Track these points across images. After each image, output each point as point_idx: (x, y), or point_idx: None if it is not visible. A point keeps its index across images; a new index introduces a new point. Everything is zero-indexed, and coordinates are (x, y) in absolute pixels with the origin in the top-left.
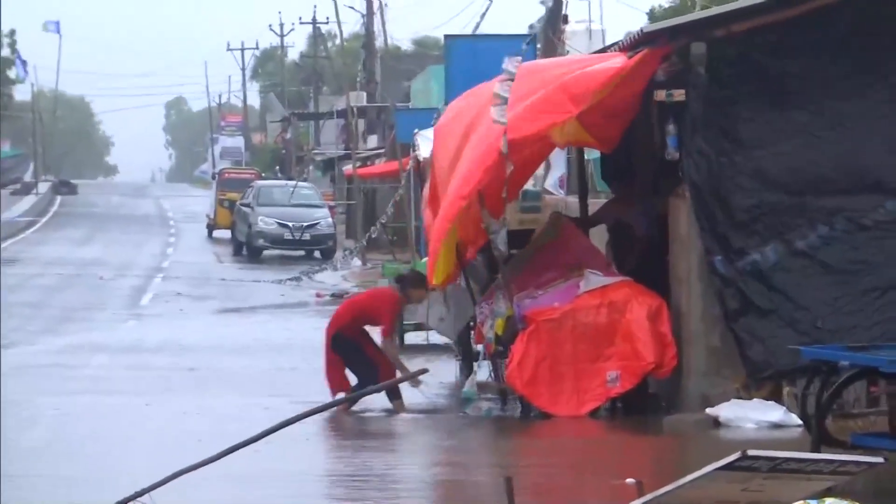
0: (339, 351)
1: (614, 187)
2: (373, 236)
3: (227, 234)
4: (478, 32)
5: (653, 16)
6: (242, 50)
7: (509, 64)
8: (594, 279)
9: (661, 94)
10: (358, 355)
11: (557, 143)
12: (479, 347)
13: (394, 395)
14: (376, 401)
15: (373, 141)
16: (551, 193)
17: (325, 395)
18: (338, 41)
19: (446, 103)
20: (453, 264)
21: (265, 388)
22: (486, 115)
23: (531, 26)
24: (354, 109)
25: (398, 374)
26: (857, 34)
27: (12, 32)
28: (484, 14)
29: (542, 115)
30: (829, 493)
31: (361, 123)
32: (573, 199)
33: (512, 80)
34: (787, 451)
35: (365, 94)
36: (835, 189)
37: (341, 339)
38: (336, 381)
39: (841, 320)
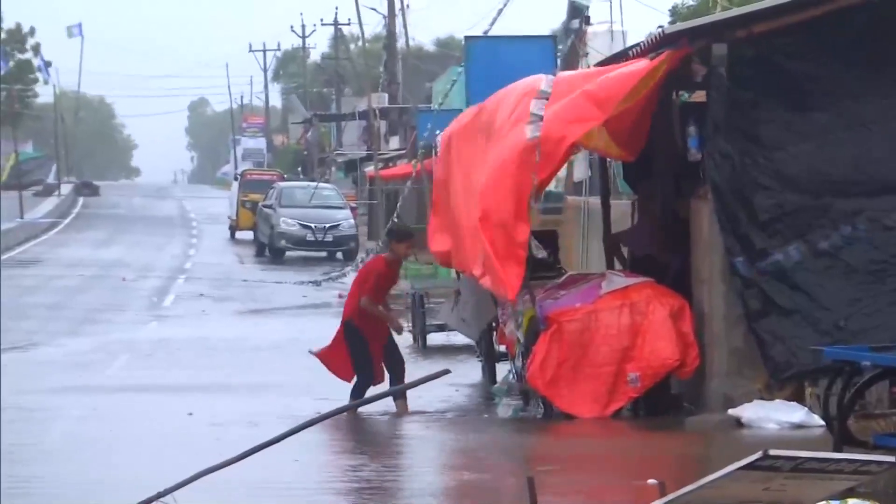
0: (347, 337)
1: (637, 188)
2: (380, 243)
3: (249, 235)
4: (495, 33)
5: (675, 13)
6: (264, 51)
7: (545, 84)
8: (616, 280)
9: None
10: (360, 349)
11: (584, 146)
12: (502, 348)
13: (398, 394)
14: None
15: (395, 142)
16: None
17: (345, 395)
18: (360, 42)
19: (467, 104)
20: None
21: (287, 388)
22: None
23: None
24: (376, 111)
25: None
26: (878, 35)
27: (32, 31)
28: (500, 11)
29: (569, 126)
30: (850, 493)
31: (383, 125)
32: (595, 201)
33: (547, 98)
34: (808, 451)
35: (387, 95)
36: (856, 190)
37: (351, 327)
38: (337, 365)
39: (863, 321)
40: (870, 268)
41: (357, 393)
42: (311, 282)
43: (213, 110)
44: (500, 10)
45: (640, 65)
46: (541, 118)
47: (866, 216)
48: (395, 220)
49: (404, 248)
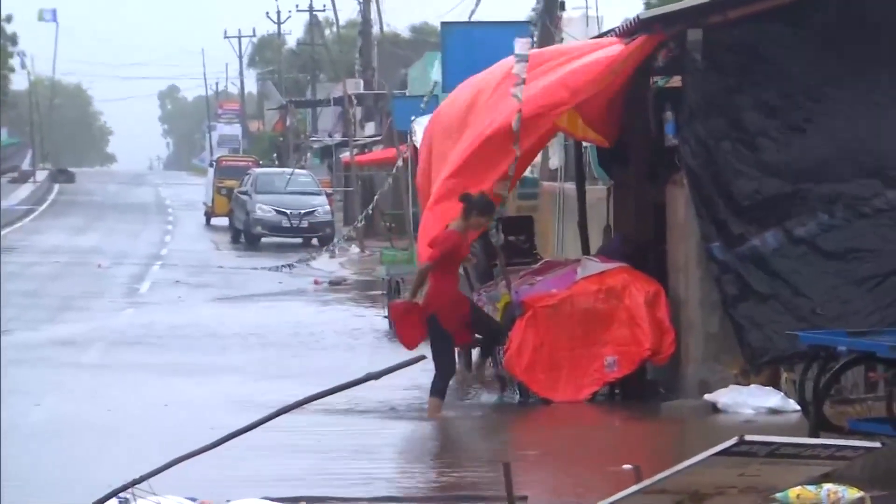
0: (431, 333)
1: (612, 174)
2: (358, 225)
3: (225, 221)
4: (474, 19)
5: (649, 3)
6: (239, 38)
7: (520, 47)
8: (591, 265)
9: (657, 81)
10: (443, 346)
11: (563, 130)
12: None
13: (432, 391)
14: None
15: (370, 128)
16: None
17: (324, 379)
18: (335, 28)
19: (443, 90)
20: None
21: (267, 373)
22: (486, 100)
23: (533, 9)
24: (352, 97)
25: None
26: (854, 20)
27: (9, 19)
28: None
29: (547, 111)
30: (826, 478)
31: (359, 111)
32: (570, 186)
33: (526, 60)
34: (784, 437)
35: (362, 81)
36: (834, 176)
37: (436, 324)
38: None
39: (840, 307)
40: (847, 255)
41: (435, 389)
42: (283, 266)
43: (185, 98)
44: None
45: (614, 49)
46: (523, 80)
47: (843, 203)
48: (372, 210)
49: (486, 220)
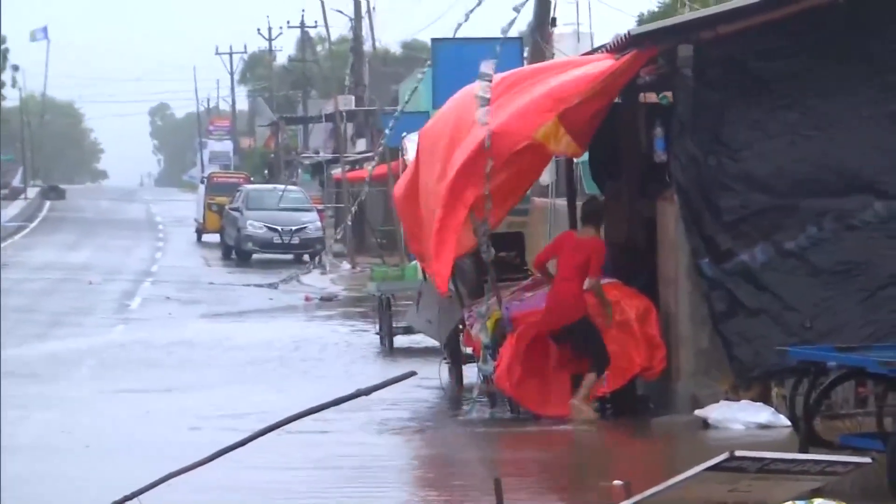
0: (588, 335)
1: (604, 190)
2: (337, 238)
3: (216, 238)
4: (462, 35)
5: (642, 21)
6: (231, 54)
7: (485, 67)
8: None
9: (652, 97)
10: (599, 337)
11: (553, 150)
12: (469, 350)
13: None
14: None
15: (361, 144)
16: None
17: (315, 394)
18: (326, 45)
19: (434, 107)
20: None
21: (258, 389)
22: (470, 119)
23: (503, 29)
24: (343, 113)
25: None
26: (844, 36)
27: (3, 39)
28: (469, 14)
29: (528, 116)
30: (817, 493)
31: (350, 127)
32: (561, 202)
33: (490, 81)
34: (775, 452)
35: (353, 97)
36: (823, 190)
37: (587, 322)
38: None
39: (829, 321)
40: (836, 268)
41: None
42: (268, 284)
43: (175, 114)
44: (468, 14)
45: (604, 64)
46: (487, 101)
47: (832, 216)
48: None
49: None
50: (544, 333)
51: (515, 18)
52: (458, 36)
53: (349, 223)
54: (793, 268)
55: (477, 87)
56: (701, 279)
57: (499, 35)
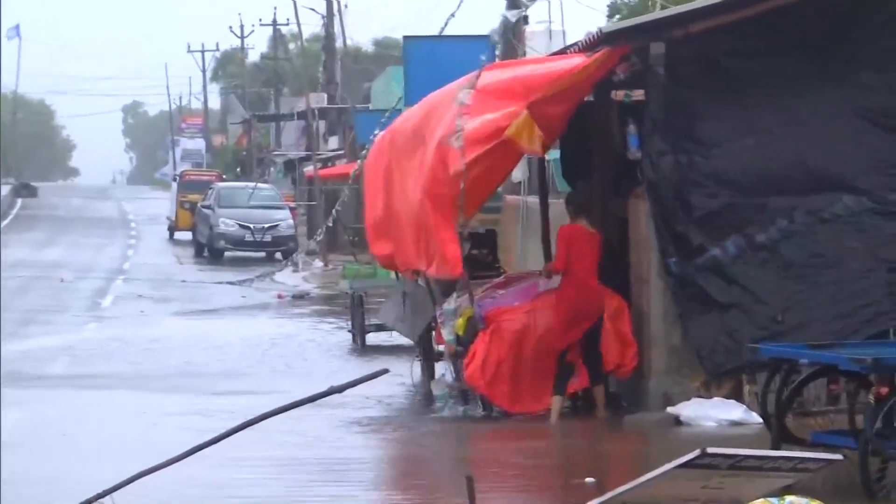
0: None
1: (575, 188)
2: (318, 239)
3: (188, 235)
4: (434, 34)
5: (614, 9)
6: (203, 52)
7: (465, 97)
8: (555, 279)
9: (620, 94)
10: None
11: (525, 148)
12: (441, 347)
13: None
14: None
15: (333, 142)
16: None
17: (288, 392)
18: (298, 43)
19: (406, 104)
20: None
21: (230, 387)
22: (441, 120)
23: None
24: (315, 111)
25: None
26: (814, 33)
27: None
28: (453, 14)
29: (497, 103)
30: (788, 490)
31: (322, 125)
32: (533, 200)
33: (473, 87)
34: (746, 449)
35: (325, 95)
36: (793, 186)
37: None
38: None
39: (800, 314)
40: (807, 261)
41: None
42: (242, 282)
43: (148, 112)
44: (452, 14)
45: (575, 60)
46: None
47: (803, 210)
48: (333, 223)
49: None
50: (562, 347)
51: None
52: (430, 34)
53: (330, 223)
54: (764, 261)
55: (460, 94)
56: (668, 278)
57: (470, 34)
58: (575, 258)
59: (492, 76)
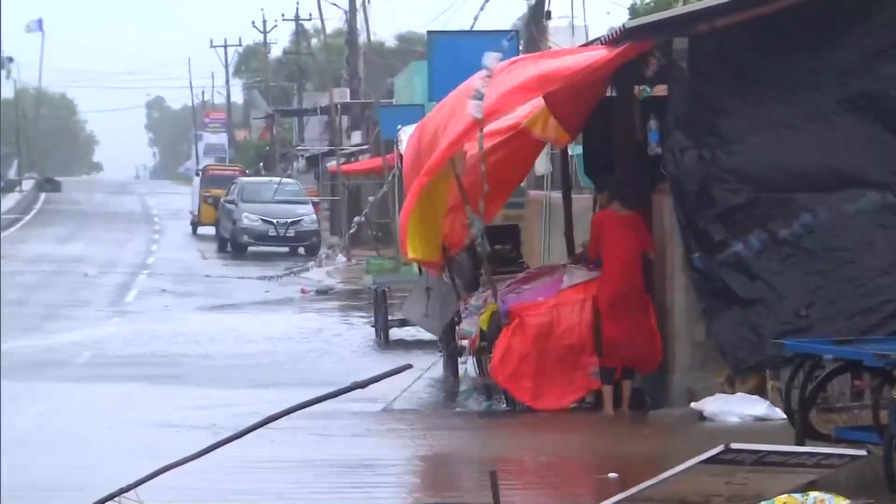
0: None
1: (598, 183)
2: (351, 231)
3: (211, 230)
4: (458, 28)
5: (634, 11)
6: (225, 47)
7: (489, 60)
8: (578, 273)
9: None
10: None
11: (538, 135)
12: (464, 343)
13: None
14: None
15: (356, 137)
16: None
17: (312, 387)
18: (321, 38)
19: (430, 100)
20: (431, 245)
21: (254, 381)
22: (461, 107)
23: (515, 24)
24: (338, 106)
25: None
26: (837, 29)
27: None
28: (481, 9)
29: (513, 94)
30: (812, 486)
31: (345, 120)
32: (557, 195)
33: (491, 75)
34: (770, 445)
35: (348, 90)
36: (816, 181)
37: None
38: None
39: (824, 309)
40: (830, 256)
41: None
42: (271, 277)
43: (171, 107)
44: (481, 9)
45: (598, 53)
46: (482, 95)
47: (827, 205)
48: (364, 220)
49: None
50: (613, 337)
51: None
52: (454, 29)
53: (363, 218)
54: (787, 256)
55: (476, 81)
56: (692, 274)
57: (494, 28)
58: (611, 243)
59: (509, 69)
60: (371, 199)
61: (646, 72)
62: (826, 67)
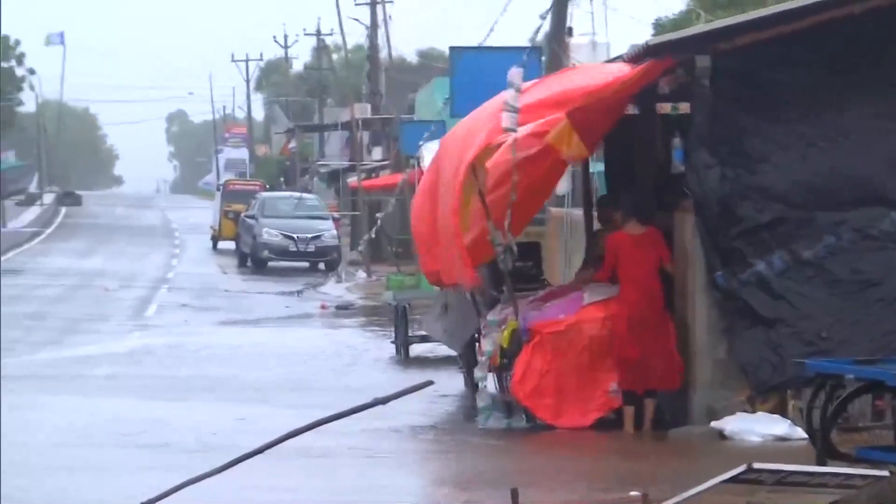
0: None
1: (619, 201)
2: (361, 249)
3: (231, 245)
4: (484, 45)
5: (658, 26)
6: (247, 61)
7: (514, 77)
8: (598, 290)
9: (666, 107)
10: None
11: (565, 154)
12: (482, 359)
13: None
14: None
15: (377, 153)
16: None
17: (332, 403)
18: (342, 53)
19: (452, 115)
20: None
21: (275, 397)
22: (485, 121)
23: (531, 39)
24: (359, 121)
25: None
26: (859, 47)
27: (17, 43)
28: (494, 25)
29: (535, 110)
30: None
31: (366, 135)
32: (578, 212)
33: (519, 90)
34: (792, 465)
35: (369, 105)
36: (840, 201)
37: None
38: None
39: (846, 331)
40: (853, 278)
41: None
42: (291, 292)
43: (192, 121)
44: (494, 25)
45: (622, 69)
46: (514, 130)
47: (850, 226)
48: (379, 232)
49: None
50: (632, 356)
51: (541, 26)
52: (476, 45)
53: (373, 234)
54: (809, 277)
55: (506, 96)
56: (715, 292)
57: (516, 45)
58: (627, 266)
59: (533, 89)
60: (379, 215)
61: (661, 89)
62: (850, 86)
